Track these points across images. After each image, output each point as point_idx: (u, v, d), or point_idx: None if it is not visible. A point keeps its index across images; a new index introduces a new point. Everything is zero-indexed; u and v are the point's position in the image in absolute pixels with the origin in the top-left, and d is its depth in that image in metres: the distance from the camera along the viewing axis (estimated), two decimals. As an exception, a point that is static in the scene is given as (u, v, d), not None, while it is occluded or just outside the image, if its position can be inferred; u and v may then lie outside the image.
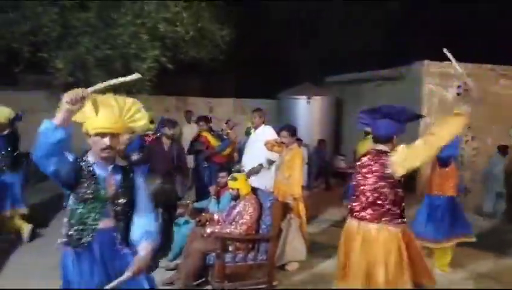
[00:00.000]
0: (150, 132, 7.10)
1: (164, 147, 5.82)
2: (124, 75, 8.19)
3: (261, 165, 5.69)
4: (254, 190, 4.69)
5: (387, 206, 3.15)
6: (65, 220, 2.57)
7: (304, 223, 5.34)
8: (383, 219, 3.15)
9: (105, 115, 2.57)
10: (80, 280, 2.47)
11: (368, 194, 3.19)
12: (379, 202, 3.16)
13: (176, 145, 5.95)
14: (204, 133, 6.93)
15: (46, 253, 5.39)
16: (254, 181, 5.29)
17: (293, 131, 5.39)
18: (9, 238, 5.89)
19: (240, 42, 10.03)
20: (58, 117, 2.32)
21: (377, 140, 3.29)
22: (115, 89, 8.21)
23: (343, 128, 12.12)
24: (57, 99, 8.61)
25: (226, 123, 7.74)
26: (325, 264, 5.39)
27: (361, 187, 3.24)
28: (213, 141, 6.86)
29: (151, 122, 7.29)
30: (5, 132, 5.77)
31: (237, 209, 4.52)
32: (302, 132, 8.29)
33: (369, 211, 3.19)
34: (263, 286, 4.40)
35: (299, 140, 9.44)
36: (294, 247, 4.97)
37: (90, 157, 2.63)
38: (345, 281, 3.29)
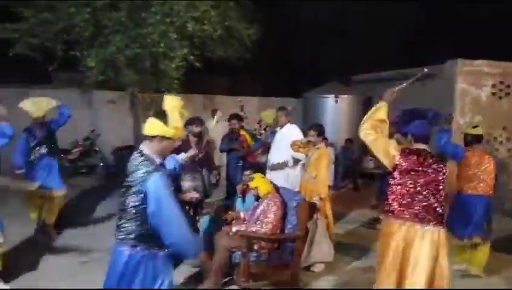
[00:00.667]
0: None
1: (190, 145, 5.86)
2: (152, 74, 8.30)
3: (285, 162, 5.63)
4: (277, 189, 4.66)
5: (434, 207, 3.22)
6: (128, 220, 2.65)
7: (331, 224, 5.28)
8: (430, 220, 3.20)
9: (175, 125, 2.78)
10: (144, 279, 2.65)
11: (415, 194, 3.23)
12: (426, 202, 3.22)
13: (201, 143, 5.99)
14: (243, 132, 6.85)
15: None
16: (280, 180, 5.27)
17: (320, 130, 5.33)
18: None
19: (266, 41, 10.01)
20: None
21: (417, 140, 3.36)
22: (144, 89, 8.35)
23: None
24: (88, 97, 8.94)
25: (258, 123, 7.66)
26: (352, 266, 5.32)
27: (407, 188, 3.26)
28: (250, 140, 6.80)
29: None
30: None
31: (260, 208, 4.51)
32: (329, 131, 8.19)
33: (415, 211, 3.23)
34: (288, 286, 4.37)
35: (325, 139, 9.40)
36: (321, 248, 4.92)
37: (156, 159, 2.74)
38: (381, 280, 3.33)
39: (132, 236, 2.63)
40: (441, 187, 3.27)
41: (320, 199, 5.00)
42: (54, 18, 8.11)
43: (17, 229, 5.69)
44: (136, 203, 2.59)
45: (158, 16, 7.87)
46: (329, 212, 5.23)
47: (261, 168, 5.45)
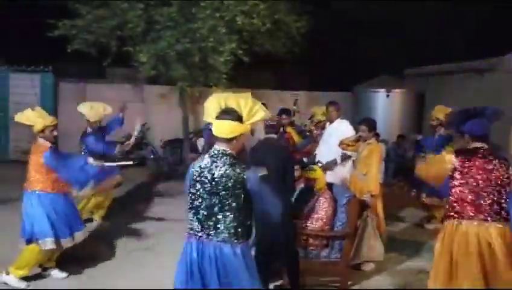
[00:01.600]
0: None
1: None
2: (201, 69, 8.42)
3: (335, 161, 5.49)
4: (329, 186, 4.57)
5: (499, 204, 3.22)
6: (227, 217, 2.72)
7: (382, 222, 5.12)
8: (501, 219, 3.21)
9: (260, 115, 2.88)
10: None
11: (485, 194, 3.22)
12: (489, 200, 3.21)
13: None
14: (289, 129, 6.59)
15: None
16: (329, 176, 5.16)
17: (372, 125, 5.16)
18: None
19: (315, 34, 9.84)
20: None
21: (474, 139, 3.35)
22: (193, 83, 8.46)
23: (425, 124, 11.46)
24: (140, 91, 9.16)
25: (310, 119, 7.42)
26: (403, 266, 5.14)
27: (469, 187, 3.25)
28: (296, 138, 6.55)
29: None
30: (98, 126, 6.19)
31: (311, 203, 4.43)
32: (380, 127, 7.90)
33: (479, 209, 3.22)
34: (337, 284, 4.28)
35: (376, 135, 9.12)
36: (371, 246, 4.77)
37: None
38: (451, 283, 3.25)
39: (232, 231, 2.71)
40: (504, 183, 3.24)
41: (371, 196, 4.85)
42: (109, 14, 8.38)
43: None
44: (241, 199, 2.70)
45: (208, 11, 7.94)
46: (380, 210, 5.07)
47: (307, 165, 5.35)
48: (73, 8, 8.47)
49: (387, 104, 10.75)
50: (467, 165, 3.28)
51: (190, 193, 2.81)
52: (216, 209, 2.70)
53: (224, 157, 2.73)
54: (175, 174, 9.59)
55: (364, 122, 5.14)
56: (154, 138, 10.87)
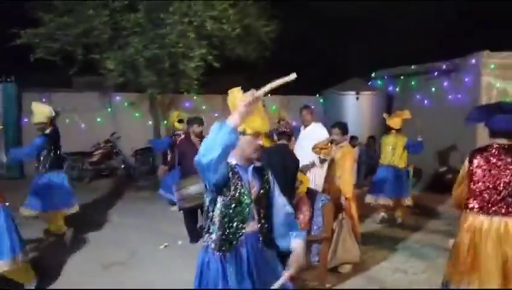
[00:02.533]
0: (180, 132, 7.15)
1: (195, 145, 5.89)
2: (171, 75, 8.32)
3: (313, 163, 5.51)
4: (307, 190, 4.56)
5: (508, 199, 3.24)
6: (208, 224, 2.54)
7: (357, 224, 5.15)
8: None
9: (261, 115, 2.62)
10: (225, 283, 2.44)
11: (495, 189, 3.25)
12: (507, 196, 3.23)
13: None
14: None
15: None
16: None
17: (344, 128, 5.20)
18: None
19: (286, 38, 9.89)
20: (235, 119, 2.24)
21: (496, 134, 3.32)
22: (163, 90, 8.32)
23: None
24: (108, 99, 8.92)
25: (279, 122, 7.43)
26: (379, 266, 5.18)
27: (487, 183, 3.28)
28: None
29: (180, 121, 7.34)
30: (47, 131, 5.85)
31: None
32: (350, 129, 8.03)
33: (496, 205, 3.24)
34: (315, 288, 4.27)
35: (354, 138, 9.23)
36: (347, 248, 4.79)
37: (231, 159, 2.55)
38: (470, 276, 3.28)
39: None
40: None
41: (346, 198, 4.87)
42: (73, 22, 8.17)
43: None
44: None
45: (176, 16, 7.85)
46: (354, 212, 5.09)
47: None
48: (35, 15, 8.22)
49: (357, 106, 10.89)
50: (483, 162, 3.30)
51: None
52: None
53: None
54: (147, 184, 9.42)
55: (337, 126, 5.16)
56: (124, 147, 10.66)
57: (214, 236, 2.49)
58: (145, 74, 8.13)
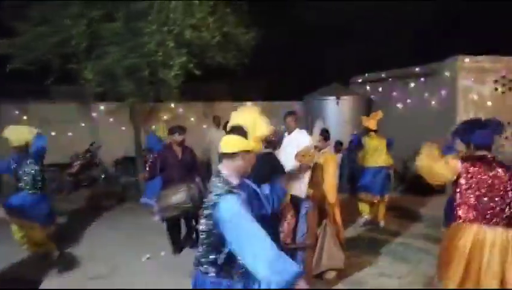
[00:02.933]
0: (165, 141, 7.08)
1: (176, 154, 5.86)
2: (151, 84, 8.19)
3: (293, 171, 5.49)
4: (291, 197, 4.55)
5: (502, 209, 3.40)
6: (201, 245, 2.51)
7: (341, 229, 5.16)
8: (498, 222, 3.38)
9: (262, 131, 2.66)
10: None
11: (482, 198, 3.40)
12: (494, 205, 3.39)
13: (188, 151, 5.98)
14: None
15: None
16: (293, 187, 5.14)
17: (326, 134, 5.22)
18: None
19: (265, 45, 9.91)
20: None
21: (479, 148, 3.55)
22: (143, 99, 8.22)
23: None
24: (87, 109, 8.73)
25: None
26: (363, 272, 5.21)
27: (474, 192, 3.42)
28: None
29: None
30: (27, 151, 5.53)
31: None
32: (331, 133, 8.10)
33: (483, 214, 3.39)
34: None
35: (340, 144, 9.29)
36: (331, 254, 4.79)
37: (231, 179, 2.53)
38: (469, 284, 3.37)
39: (203, 261, 2.49)
40: (507, 190, 3.41)
41: (329, 204, 4.88)
42: (49, 31, 8.03)
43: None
44: (208, 228, 2.44)
45: (154, 25, 7.78)
46: (338, 218, 5.10)
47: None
48: (10, 25, 8.04)
49: (337, 111, 10.99)
50: (471, 170, 3.44)
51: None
52: (206, 240, 2.55)
53: (218, 181, 2.50)
54: (128, 194, 9.28)
55: (319, 132, 5.17)
56: (105, 157, 10.50)
57: (219, 261, 2.46)
58: (125, 83, 8.02)
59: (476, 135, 3.57)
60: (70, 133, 10.66)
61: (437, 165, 3.57)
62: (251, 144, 2.55)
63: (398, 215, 7.79)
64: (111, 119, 10.95)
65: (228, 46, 9.15)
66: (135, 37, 7.93)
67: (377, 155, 7.22)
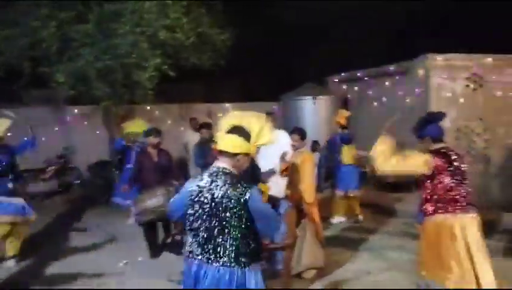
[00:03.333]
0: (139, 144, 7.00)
1: (152, 157, 5.80)
2: (125, 86, 8.03)
3: (272, 170, 5.48)
4: (269, 197, 4.54)
5: (467, 194, 3.62)
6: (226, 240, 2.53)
7: (320, 228, 5.18)
8: (467, 208, 3.59)
9: (267, 140, 2.71)
10: None
11: (452, 188, 3.57)
12: (462, 192, 3.60)
13: (163, 154, 5.92)
14: (214, 145, 6.51)
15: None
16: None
17: (303, 134, 5.23)
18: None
19: (241, 45, 9.90)
20: None
21: (435, 140, 3.73)
22: (117, 101, 8.07)
23: (350, 127, 11.96)
24: (61, 113, 8.55)
25: None
26: (342, 269, 5.24)
27: (444, 184, 3.57)
28: None
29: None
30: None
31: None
32: (308, 133, 8.14)
33: (455, 203, 3.56)
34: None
35: (315, 143, 9.34)
36: (311, 254, 4.81)
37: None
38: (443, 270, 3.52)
39: (233, 255, 2.51)
40: (465, 174, 3.67)
41: (308, 204, 4.89)
42: (18, 34, 7.81)
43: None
44: (239, 223, 2.51)
45: (128, 26, 7.66)
46: (317, 217, 5.13)
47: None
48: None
49: (313, 111, 11.05)
50: (440, 163, 3.58)
51: (188, 214, 2.60)
52: (216, 231, 2.52)
53: (225, 177, 2.56)
54: (103, 198, 9.10)
55: (296, 132, 5.17)
56: (79, 161, 10.28)
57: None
58: (98, 85, 7.87)
59: (430, 129, 3.76)
60: (43, 138, 10.38)
61: (409, 160, 3.64)
62: (252, 148, 2.63)
63: (375, 212, 7.89)
64: (85, 123, 10.71)
65: (203, 46, 9.10)
66: (108, 39, 7.81)
67: (347, 153, 7.50)
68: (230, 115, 2.72)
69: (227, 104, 11.62)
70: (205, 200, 2.55)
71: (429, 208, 3.66)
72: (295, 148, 5.15)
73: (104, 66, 7.75)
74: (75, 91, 8.14)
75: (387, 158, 3.63)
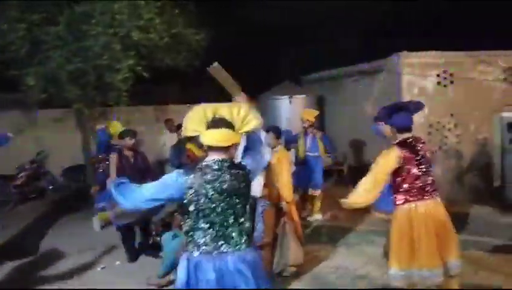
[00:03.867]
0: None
1: (128, 159, 5.73)
2: (97, 88, 7.91)
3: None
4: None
5: (433, 181, 3.76)
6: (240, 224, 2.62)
7: (299, 226, 5.21)
8: (433, 193, 3.73)
9: (254, 124, 2.79)
10: None
11: (419, 177, 3.67)
12: (428, 180, 3.71)
13: (140, 156, 5.87)
14: (189, 145, 6.50)
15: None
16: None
17: (278, 133, 5.25)
18: None
19: (216, 46, 9.85)
20: None
21: (401, 130, 3.78)
22: (90, 104, 7.90)
23: (326, 125, 12.09)
24: (31, 117, 8.37)
25: None
26: (321, 266, 5.29)
27: (411, 173, 3.66)
28: (198, 152, 6.46)
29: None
30: None
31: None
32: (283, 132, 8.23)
33: (423, 190, 3.68)
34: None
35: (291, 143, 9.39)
36: (292, 252, 4.84)
37: None
38: (414, 260, 3.62)
39: (245, 238, 2.63)
40: (430, 164, 3.81)
41: (286, 202, 4.91)
42: (-15, 36, 7.59)
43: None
44: (243, 204, 2.63)
45: (99, 28, 7.53)
46: (295, 215, 5.15)
47: None
48: None
49: (290, 110, 11.11)
50: (407, 155, 3.66)
51: (195, 209, 2.54)
52: (231, 220, 2.56)
53: (229, 165, 2.62)
54: (79, 204, 8.93)
55: (271, 130, 5.19)
56: (52, 166, 10.06)
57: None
58: (69, 88, 7.70)
59: (396, 118, 3.80)
60: (15, 143, 10.11)
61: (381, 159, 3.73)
62: (238, 136, 2.69)
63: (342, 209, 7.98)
64: (57, 127, 10.48)
65: (178, 47, 9.02)
66: (79, 40, 7.65)
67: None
68: (200, 109, 2.69)
69: (203, 104, 11.54)
70: (214, 193, 2.54)
71: (399, 197, 3.73)
72: (271, 147, 5.18)
73: (75, 68, 7.59)
74: (46, 94, 7.95)
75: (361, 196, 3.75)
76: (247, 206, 2.65)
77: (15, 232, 7.35)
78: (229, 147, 2.63)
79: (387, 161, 3.70)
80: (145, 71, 8.04)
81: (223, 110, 2.68)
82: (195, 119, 2.64)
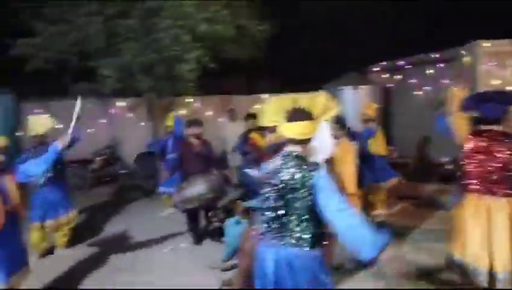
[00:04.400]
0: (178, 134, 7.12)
1: (194, 147, 5.89)
2: (168, 79, 8.15)
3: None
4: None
5: (507, 180, 3.54)
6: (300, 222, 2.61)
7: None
8: (504, 193, 3.53)
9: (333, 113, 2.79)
10: None
11: (490, 171, 3.53)
12: (499, 177, 3.52)
13: (205, 144, 6.01)
14: (252, 135, 6.64)
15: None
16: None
17: (342, 123, 5.17)
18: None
19: (280, 37, 9.87)
20: None
21: (487, 121, 3.60)
22: (160, 94, 8.21)
23: (392, 117, 11.70)
24: (106, 106, 8.84)
25: None
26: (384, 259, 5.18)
27: (482, 166, 3.56)
28: (262, 142, 6.52)
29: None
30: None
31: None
32: (349, 123, 8.04)
33: (491, 186, 3.54)
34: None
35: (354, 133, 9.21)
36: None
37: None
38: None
39: (307, 237, 2.59)
40: (510, 161, 3.53)
41: (349, 195, 4.83)
42: (66, 30, 8.15)
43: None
44: (309, 204, 2.56)
45: (169, 20, 7.83)
46: (357, 207, 5.05)
47: None
48: (28, 25, 8.20)
49: (355, 100, 10.87)
50: (480, 145, 3.58)
51: (261, 195, 2.71)
52: (281, 212, 2.61)
53: (295, 159, 2.62)
54: (148, 189, 9.39)
55: (335, 121, 5.11)
56: (125, 152, 10.64)
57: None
58: (142, 78, 8.12)
59: (484, 108, 3.60)
60: (89, 130, 10.83)
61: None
62: (316, 127, 2.67)
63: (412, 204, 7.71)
64: (130, 115, 11.08)
65: (243, 39, 9.15)
66: (150, 33, 8.00)
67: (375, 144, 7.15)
68: (278, 100, 2.71)
69: (267, 96, 11.63)
70: (274, 182, 2.62)
71: (468, 185, 3.66)
72: (335, 138, 5.11)
73: (147, 59, 7.97)
74: (120, 84, 8.41)
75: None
76: (306, 207, 2.57)
77: (89, 214, 7.88)
78: (307, 140, 2.65)
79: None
80: (211, 62, 8.24)
81: (302, 100, 2.67)
82: (273, 110, 2.68)
